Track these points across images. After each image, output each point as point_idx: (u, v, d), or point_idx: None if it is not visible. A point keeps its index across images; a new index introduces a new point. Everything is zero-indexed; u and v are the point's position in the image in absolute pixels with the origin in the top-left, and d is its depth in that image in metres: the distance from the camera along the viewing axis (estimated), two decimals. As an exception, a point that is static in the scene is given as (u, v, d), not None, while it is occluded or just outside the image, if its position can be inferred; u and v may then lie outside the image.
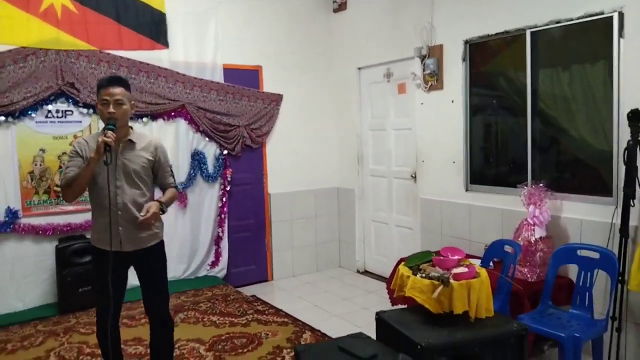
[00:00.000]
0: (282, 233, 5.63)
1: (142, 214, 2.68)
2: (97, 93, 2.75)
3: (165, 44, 4.75)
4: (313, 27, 5.71)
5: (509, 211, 3.96)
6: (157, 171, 2.88)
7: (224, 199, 5.21)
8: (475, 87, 4.34)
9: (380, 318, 2.51)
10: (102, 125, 4.39)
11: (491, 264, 3.65)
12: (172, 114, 4.84)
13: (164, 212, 2.78)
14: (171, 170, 2.95)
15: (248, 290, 5.07)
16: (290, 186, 5.65)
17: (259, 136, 5.37)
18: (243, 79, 5.25)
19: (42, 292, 4.39)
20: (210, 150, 5.13)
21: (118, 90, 2.70)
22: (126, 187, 2.73)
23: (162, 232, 2.91)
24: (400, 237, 5.21)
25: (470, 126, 4.38)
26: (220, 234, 5.21)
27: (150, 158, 2.83)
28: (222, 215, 5.21)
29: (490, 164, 4.40)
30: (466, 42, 4.29)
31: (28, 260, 4.31)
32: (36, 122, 4.30)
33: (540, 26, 3.74)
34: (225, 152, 5.17)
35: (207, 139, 5.08)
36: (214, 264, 5.20)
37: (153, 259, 2.85)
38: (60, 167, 4.38)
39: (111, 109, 2.67)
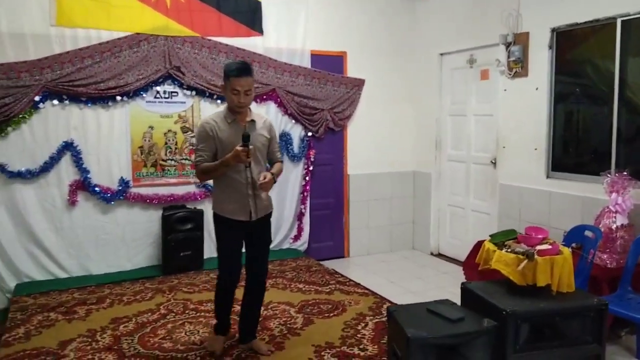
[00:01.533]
0: (359, 213, 5.90)
1: (260, 179, 2.98)
2: (225, 78, 3.01)
3: (260, 31, 5.10)
4: (397, 14, 5.88)
5: (589, 199, 4.02)
6: (269, 147, 3.19)
7: (307, 178, 5.55)
8: (560, 75, 4.38)
9: (465, 288, 2.73)
10: (205, 106, 4.85)
11: (570, 249, 3.74)
12: (264, 97, 5.20)
13: (275, 182, 3.08)
14: (279, 146, 3.30)
15: (326, 265, 5.39)
16: (368, 168, 5.90)
17: (341, 119, 5.64)
18: (328, 64, 5.53)
19: (147, 254, 4.92)
20: (296, 132, 5.46)
21: (249, 81, 2.97)
22: (253, 164, 3.02)
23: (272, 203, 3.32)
24: (476, 221, 5.34)
25: (554, 114, 4.43)
26: (303, 211, 5.56)
27: (267, 136, 3.15)
28: (305, 193, 5.55)
29: (571, 152, 4.45)
30: (553, 29, 4.33)
31: (137, 226, 4.84)
32: (146, 101, 4.79)
33: (632, 15, 3.74)
34: (310, 134, 5.49)
35: (293, 121, 5.42)
36: (296, 237, 5.57)
37: (267, 227, 3.26)
38: (166, 142, 4.87)
39: (242, 99, 2.97)
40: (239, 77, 2.92)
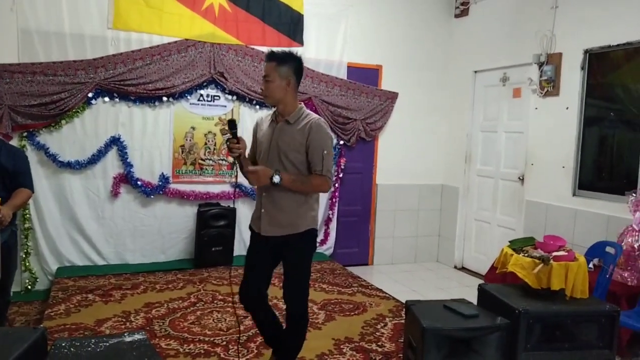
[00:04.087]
0: (385, 222, 6.04)
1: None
2: None
3: (300, 42, 5.34)
4: (433, 31, 6.06)
5: (615, 218, 4.07)
6: (308, 154, 2.62)
7: (337, 185, 5.73)
8: (592, 98, 4.46)
9: (482, 288, 2.85)
10: (245, 111, 5.11)
11: (591, 265, 3.79)
12: (300, 104, 5.42)
13: (273, 183, 2.52)
14: (323, 156, 2.60)
15: (350, 270, 5.52)
16: (397, 179, 6.04)
17: (372, 130, 5.82)
18: (364, 76, 5.74)
19: (181, 248, 5.17)
20: (329, 140, 5.65)
21: (268, 67, 2.59)
22: (267, 167, 2.59)
23: (304, 222, 2.68)
24: (502, 236, 5.39)
25: (583, 134, 4.50)
26: (331, 216, 5.74)
27: (302, 140, 2.59)
28: (334, 200, 5.73)
29: (601, 174, 4.49)
30: (586, 51, 4.43)
31: (173, 220, 5.10)
32: (190, 103, 5.07)
33: (665, 39, 3.82)
34: (342, 142, 5.69)
35: (327, 129, 5.61)
36: (322, 242, 5.74)
37: (291, 250, 2.69)
38: (205, 143, 5.14)
39: (262, 86, 2.63)
40: (265, 63, 2.65)
